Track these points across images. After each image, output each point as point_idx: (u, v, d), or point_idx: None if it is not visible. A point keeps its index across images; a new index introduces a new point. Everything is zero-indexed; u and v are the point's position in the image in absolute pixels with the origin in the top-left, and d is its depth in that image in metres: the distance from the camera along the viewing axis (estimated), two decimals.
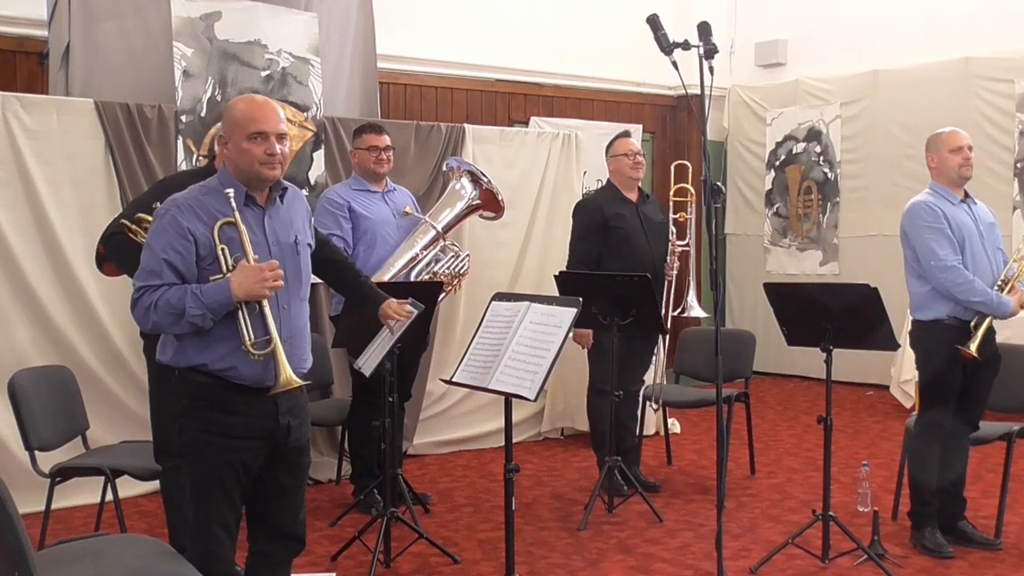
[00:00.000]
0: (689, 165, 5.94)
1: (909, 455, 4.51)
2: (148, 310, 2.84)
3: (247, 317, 2.88)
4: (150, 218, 3.68)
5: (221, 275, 2.87)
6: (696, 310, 5.52)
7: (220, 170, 3.03)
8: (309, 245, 3.19)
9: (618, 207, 5.31)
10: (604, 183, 5.61)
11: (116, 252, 3.87)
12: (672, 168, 5.90)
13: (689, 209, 5.64)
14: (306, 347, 3.10)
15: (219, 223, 2.87)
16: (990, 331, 4.29)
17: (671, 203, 5.67)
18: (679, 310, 5.51)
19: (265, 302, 2.89)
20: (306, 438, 3.17)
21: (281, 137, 2.96)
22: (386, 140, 5.11)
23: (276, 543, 3.15)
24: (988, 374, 4.35)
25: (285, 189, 3.08)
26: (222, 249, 2.88)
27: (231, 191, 2.89)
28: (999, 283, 4.28)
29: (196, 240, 2.87)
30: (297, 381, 2.91)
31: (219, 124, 3.92)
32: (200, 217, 2.88)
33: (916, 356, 4.46)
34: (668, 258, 5.35)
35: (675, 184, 5.72)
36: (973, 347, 4.16)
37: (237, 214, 2.89)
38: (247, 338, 2.87)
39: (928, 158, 4.43)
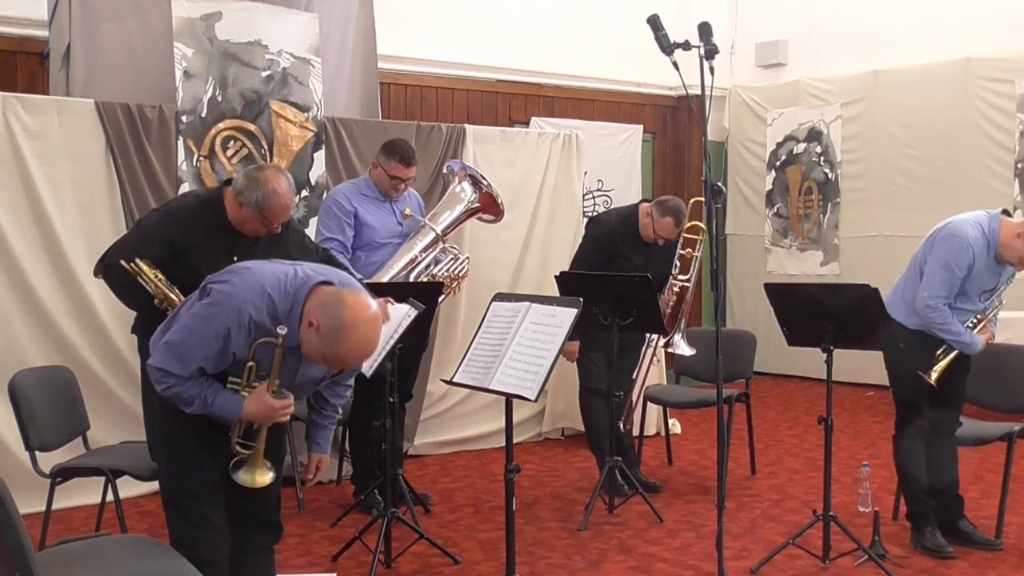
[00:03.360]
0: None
1: (896, 457, 4.51)
2: (159, 385, 2.95)
3: (243, 423, 3.01)
4: (149, 271, 3.68)
5: (239, 384, 2.95)
6: (682, 348, 5.33)
7: (282, 300, 2.92)
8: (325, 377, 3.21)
9: (629, 243, 5.26)
10: (630, 211, 5.41)
11: (114, 283, 3.83)
12: (690, 204, 5.62)
13: (698, 247, 5.36)
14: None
15: (258, 342, 2.89)
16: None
17: (681, 238, 5.37)
18: (664, 344, 5.39)
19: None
20: (283, 431, 3.28)
21: None
22: (412, 173, 5.06)
23: (257, 531, 3.27)
24: (960, 367, 4.33)
25: None
26: (250, 367, 2.93)
27: (284, 330, 2.86)
28: (977, 317, 4.30)
29: (235, 356, 2.93)
30: (263, 484, 3.05)
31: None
32: (250, 335, 2.88)
33: (886, 355, 4.43)
34: (665, 292, 5.31)
35: (690, 221, 5.35)
36: (934, 377, 4.20)
37: (281, 350, 2.89)
38: (235, 437, 3.01)
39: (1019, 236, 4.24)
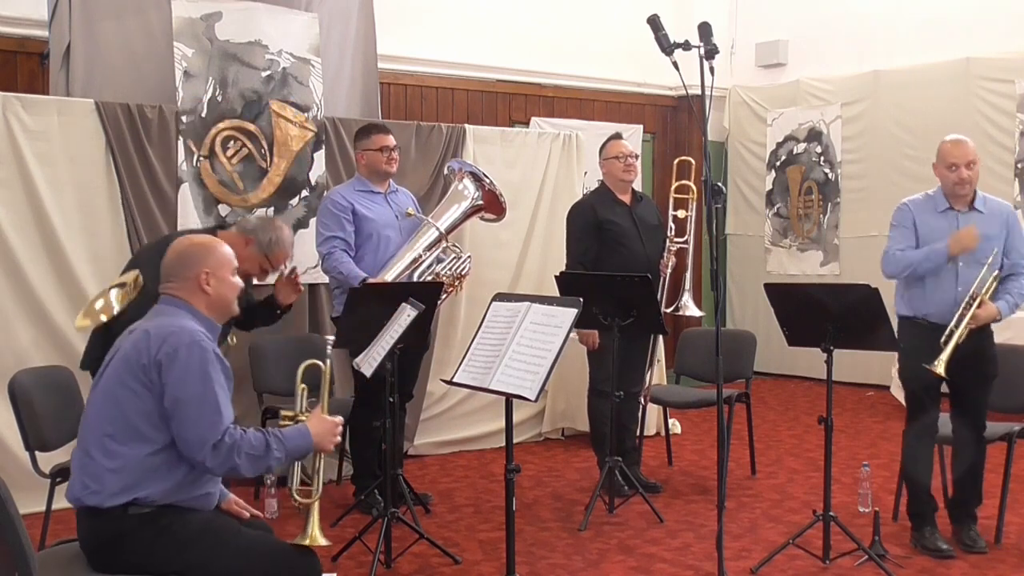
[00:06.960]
0: (692, 161, 5.90)
1: (902, 456, 4.52)
2: (227, 462, 2.64)
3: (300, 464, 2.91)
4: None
5: (290, 417, 2.87)
6: (691, 309, 5.43)
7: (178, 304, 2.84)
8: None
9: (611, 209, 5.30)
10: (599, 185, 5.58)
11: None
12: (674, 164, 5.85)
13: (690, 206, 5.54)
14: None
15: (305, 365, 2.95)
16: (989, 340, 4.29)
17: (671, 199, 5.61)
18: (673, 308, 5.49)
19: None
20: None
21: None
22: (394, 140, 5.15)
23: None
24: (977, 375, 4.29)
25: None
26: (303, 389, 2.91)
27: (331, 339, 3.06)
28: (969, 299, 4.18)
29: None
30: (324, 542, 2.86)
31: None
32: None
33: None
34: (664, 255, 5.33)
35: (676, 180, 5.63)
36: (941, 367, 4.06)
37: (329, 370, 2.95)
38: (296, 485, 2.94)
39: (933, 164, 4.40)
